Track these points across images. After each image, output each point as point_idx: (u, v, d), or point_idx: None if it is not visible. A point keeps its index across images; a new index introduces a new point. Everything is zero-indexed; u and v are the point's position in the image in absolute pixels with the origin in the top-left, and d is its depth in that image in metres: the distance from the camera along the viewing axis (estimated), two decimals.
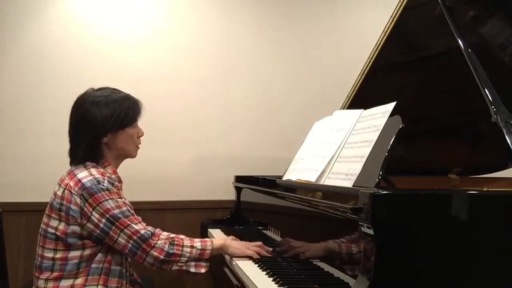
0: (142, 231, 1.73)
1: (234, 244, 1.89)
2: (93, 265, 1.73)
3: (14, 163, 2.79)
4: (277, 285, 1.53)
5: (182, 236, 1.82)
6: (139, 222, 1.76)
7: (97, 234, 1.71)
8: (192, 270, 1.78)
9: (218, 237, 2.35)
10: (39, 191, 2.45)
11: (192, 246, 1.78)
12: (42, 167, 2.74)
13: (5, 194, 2.72)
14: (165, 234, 1.78)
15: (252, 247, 1.89)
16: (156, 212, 2.86)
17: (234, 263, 1.85)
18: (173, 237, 1.78)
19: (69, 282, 1.71)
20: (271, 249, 1.91)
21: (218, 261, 2.12)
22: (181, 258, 1.76)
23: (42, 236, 1.76)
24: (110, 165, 1.84)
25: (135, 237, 1.71)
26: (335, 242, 1.53)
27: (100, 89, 1.85)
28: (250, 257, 1.86)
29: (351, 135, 1.78)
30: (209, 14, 3.08)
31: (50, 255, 1.73)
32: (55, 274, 1.72)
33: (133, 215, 1.77)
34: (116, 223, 1.70)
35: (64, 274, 1.72)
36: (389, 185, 1.68)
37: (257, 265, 1.78)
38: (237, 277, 1.78)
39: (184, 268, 1.77)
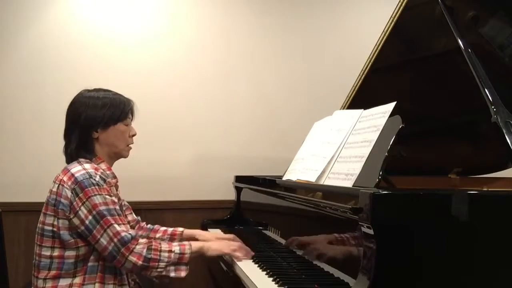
0: (123, 233, 1.70)
1: (212, 246, 1.87)
2: (90, 264, 1.74)
3: (14, 163, 2.79)
4: (277, 285, 1.54)
5: (159, 241, 1.83)
6: (123, 224, 1.74)
7: (81, 230, 1.71)
8: (172, 274, 1.74)
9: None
10: (38, 191, 2.44)
11: (170, 251, 1.75)
12: (42, 167, 2.73)
13: (5, 194, 2.72)
14: (143, 239, 1.75)
15: (231, 246, 1.90)
16: (156, 212, 2.85)
17: (234, 263, 1.85)
18: (151, 242, 1.75)
19: (67, 281, 1.72)
20: (251, 251, 1.90)
21: (218, 261, 2.12)
22: (160, 263, 1.71)
23: (39, 234, 1.77)
24: (104, 162, 1.86)
25: (115, 239, 1.68)
26: (335, 242, 1.53)
27: (93, 89, 1.89)
28: (251, 258, 1.86)
29: (351, 135, 1.78)
30: (209, 15, 3.08)
31: (48, 253, 1.73)
32: (52, 272, 1.72)
33: (119, 215, 1.75)
34: (101, 221, 1.69)
35: (62, 273, 1.72)
36: (389, 185, 1.68)
37: (257, 265, 1.78)
38: (237, 277, 1.78)
39: (164, 273, 1.73)
